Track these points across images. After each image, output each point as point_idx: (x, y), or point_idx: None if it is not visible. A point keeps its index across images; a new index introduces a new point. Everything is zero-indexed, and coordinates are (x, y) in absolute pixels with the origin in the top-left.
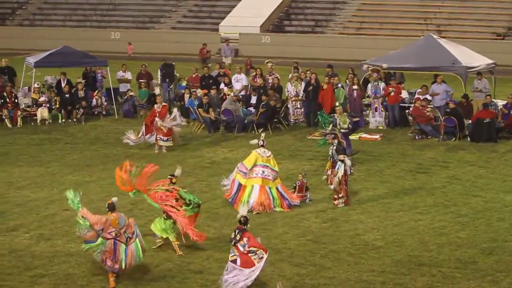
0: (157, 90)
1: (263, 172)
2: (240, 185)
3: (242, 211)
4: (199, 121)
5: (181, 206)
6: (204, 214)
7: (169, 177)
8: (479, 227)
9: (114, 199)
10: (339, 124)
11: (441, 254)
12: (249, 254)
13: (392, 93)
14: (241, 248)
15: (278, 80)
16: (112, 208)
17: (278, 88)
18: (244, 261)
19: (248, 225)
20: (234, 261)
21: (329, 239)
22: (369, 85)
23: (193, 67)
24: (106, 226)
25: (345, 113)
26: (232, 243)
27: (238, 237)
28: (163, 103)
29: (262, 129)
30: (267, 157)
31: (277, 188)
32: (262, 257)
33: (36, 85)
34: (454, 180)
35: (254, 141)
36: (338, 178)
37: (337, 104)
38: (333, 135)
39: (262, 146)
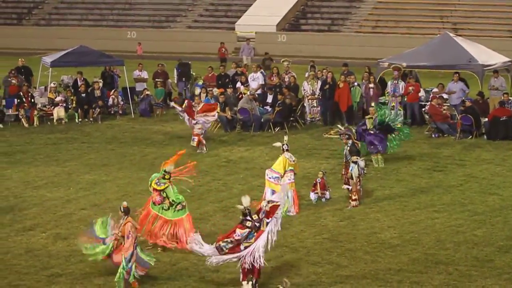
0: (197, 91)
1: (292, 176)
2: (273, 191)
3: (245, 202)
4: (216, 120)
5: (168, 208)
6: (221, 213)
7: (163, 173)
8: (495, 225)
9: (125, 203)
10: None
11: (458, 252)
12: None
13: (412, 91)
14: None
15: (295, 79)
16: (127, 211)
17: (295, 87)
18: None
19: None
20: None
21: (345, 237)
22: (389, 83)
23: (209, 66)
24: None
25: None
26: (255, 229)
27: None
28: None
29: (278, 127)
30: (293, 161)
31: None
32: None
33: (52, 85)
34: (470, 178)
35: (278, 144)
36: (354, 180)
37: (372, 104)
38: (347, 136)
39: (287, 150)
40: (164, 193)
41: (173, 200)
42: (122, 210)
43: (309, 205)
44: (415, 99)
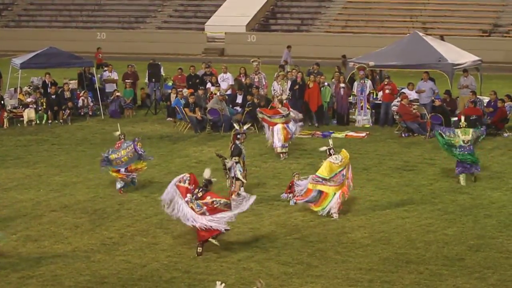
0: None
1: (343, 176)
2: (321, 192)
3: (206, 174)
4: (186, 120)
5: None
6: None
7: None
8: (466, 224)
9: None
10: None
11: (429, 252)
12: (214, 205)
13: (388, 91)
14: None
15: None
16: None
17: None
18: (211, 210)
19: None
20: (203, 214)
21: (316, 237)
22: (355, 83)
23: (178, 67)
24: None
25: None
26: (194, 197)
27: (200, 194)
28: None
29: (249, 124)
30: (341, 161)
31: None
32: (228, 204)
33: (27, 88)
34: (440, 177)
35: (323, 148)
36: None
37: (462, 119)
38: (245, 136)
39: (333, 154)
40: None
41: None
42: None
43: (279, 206)
44: (391, 98)
